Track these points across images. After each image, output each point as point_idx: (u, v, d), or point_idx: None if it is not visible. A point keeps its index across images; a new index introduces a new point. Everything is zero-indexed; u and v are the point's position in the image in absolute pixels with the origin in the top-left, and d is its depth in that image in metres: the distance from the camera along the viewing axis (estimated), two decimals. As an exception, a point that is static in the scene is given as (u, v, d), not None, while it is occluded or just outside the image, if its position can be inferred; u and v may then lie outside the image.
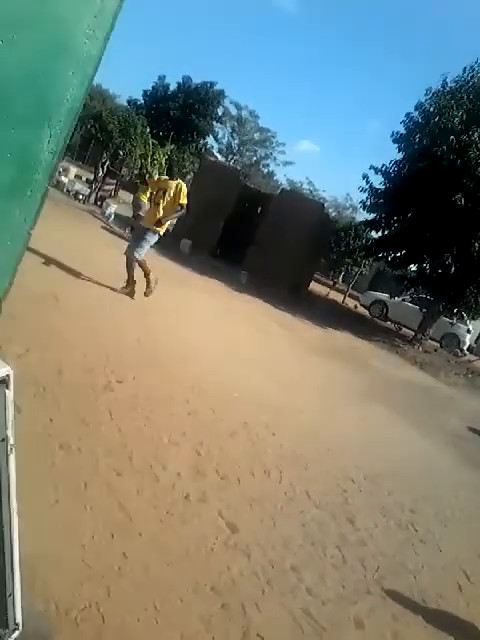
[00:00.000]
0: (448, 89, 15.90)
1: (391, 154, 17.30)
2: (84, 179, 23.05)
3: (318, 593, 2.99)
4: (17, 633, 1.79)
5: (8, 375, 1.34)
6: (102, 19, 0.90)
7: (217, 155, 48.92)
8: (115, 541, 2.65)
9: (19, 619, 1.79)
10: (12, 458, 1.49)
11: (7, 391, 1.37)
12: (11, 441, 1.45)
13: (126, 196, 22.15)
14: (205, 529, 3.10)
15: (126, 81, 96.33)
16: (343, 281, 31.19)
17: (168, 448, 3.85)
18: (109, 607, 2.24)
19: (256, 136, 50.89)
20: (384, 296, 22.39)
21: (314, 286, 23.27)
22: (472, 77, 15.74)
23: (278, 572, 3.01)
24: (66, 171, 19.74)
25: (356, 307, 23.34)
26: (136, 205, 14.01)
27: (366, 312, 22.48)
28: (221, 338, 7.99)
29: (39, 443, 3.19)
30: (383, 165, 16.97)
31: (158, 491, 3.25)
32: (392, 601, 3.24)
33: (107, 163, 18.22)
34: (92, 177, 19.22)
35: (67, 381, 4.15)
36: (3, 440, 1.42)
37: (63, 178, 18.27)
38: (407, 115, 16.30)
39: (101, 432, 3.65)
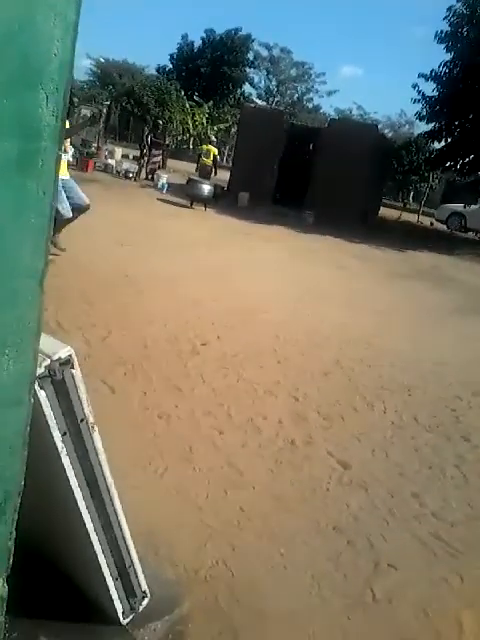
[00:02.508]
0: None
1: (440, 57, 16.25)
2: (131, 157, 23.17)
3: (445, 516, 2.91)
4: (146, 600, 1.83)
5: (70, 355, 1.32)
6: None
7: (257, 101, 47.76)
8: (229, 497, 2.68)
9: (145, 587, 1.82)
10: (96, 436, 1.49)
11: (73, 371, 1.35)
12: (91, 419, 1.44)
13: (175, 164, 22.11)
14: (317, 471, 3.08)
15: (152, 50, 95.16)
16: (414, 200, 30.01)
17: (264, 399, 3.85)
18: (236, 561, 2.27)
19: (293, 73, 49.23)
20: (459, 207, 21.35)
21: (384, 211, 22.51)
22: None
23: (399, 501, 2.95)
24: (112, 153, 19.94)
25: (432, 224, 22.43)
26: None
27: (443, 227, 21.56)
28: (298, 281, 7.88)
29: (138, 417, 3.25)
30: (432, 70, 15.95)
31: (263, 442, 3.26)
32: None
33: (150, 136, 18.18)
34: (138, 154, 19.26)
35: (153, 354, 4.22)
36: (83, 420, 1.41)
37: (110, 160, 18.45)
38: (449, 9, 15.11)
39: (196, 395, 3.69)
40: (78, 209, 6.43)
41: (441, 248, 14.97)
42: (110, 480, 1.59)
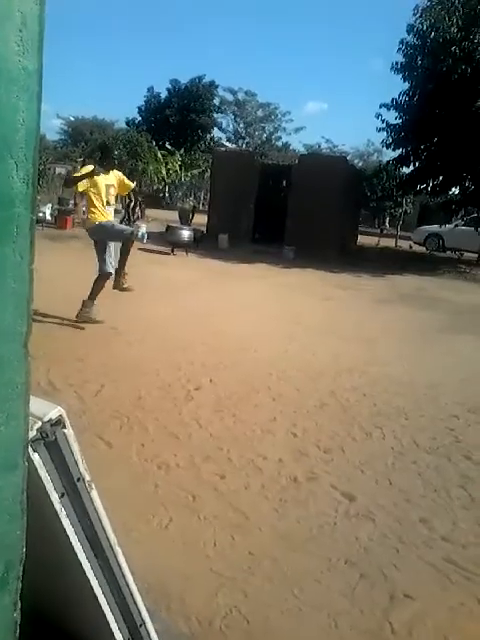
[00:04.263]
0: (436, 0, 15.18)
1: (399, 87, 16.79)
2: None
3: (455, 538, 2.88)
4: (158, 658, 1.79)
5: (61, 414, 1.32)
6: (28, 30, 0.85)
7: (227, 144, 48.68)
8: (237, 542, 2.64)
9: (157, 643, 1.78)
10: (94, 494, 1.48)
11: (65, 430, 1.35)
12: (87, 477, 1.43)
13: (152, 213, 22.34)
14: (322, 506, 3.05)
15: (120, 105, 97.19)
16: (390, 225, 30.45)
17: (263, 438, 3.83)
18: (250, 608, 2.22)
19: (259, 113, 50.31)
20: (436, 227, 21.71)
21: (362, 239, 22.78)
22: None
23: (407, 528, 2.92)
24: (89, 208, 20.09)
25: (411, 247, 22.73)
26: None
27: (422, 249, 21.86)
28: (285, 316, 7.91)
29: (138, 470, 3.22)
30: (393, 99, 16.40)
31: (265, 482, 3.23)
32: None
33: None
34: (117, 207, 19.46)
35: (147, 404, 4.20)
36: (79, 479, 1.40)
37: (88, 216, 18.59)
38: (401, 42, 15.65)
39: (193, 441, 3.66)
40: (126, 244, 6.39)
41: (422, 270, 15.15)
42: (113, 537, 1.56)
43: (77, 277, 7.23)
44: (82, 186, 6.05)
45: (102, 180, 6.14)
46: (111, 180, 6.32)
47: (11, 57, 0.83)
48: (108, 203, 6.25)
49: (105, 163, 6.37)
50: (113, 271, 6.30)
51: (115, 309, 6.72)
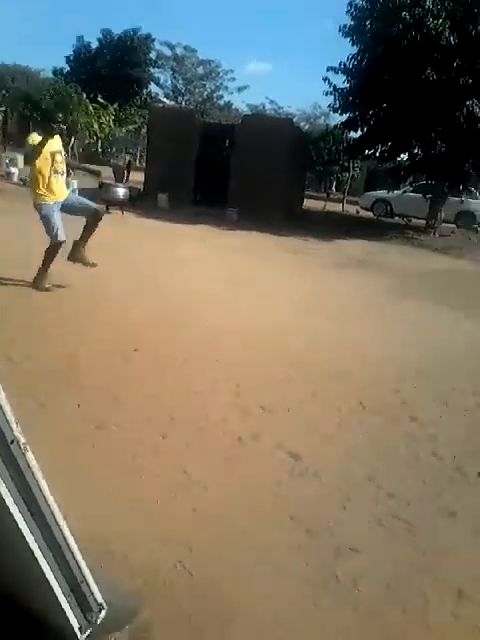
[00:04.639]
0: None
1: (348, 49, 16.75)
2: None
3: (400, 495, 3.01)
4: (103, 612, 1.82)
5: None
6: None
7: (165, 100, 47.73)
8: (180, 500, 2.69)
9: (100, 599, 1.81)
10: (30, 455, 1.48)
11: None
12: (22, 440, 1.43)
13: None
14: (267, 465, 3.13)
15: (45, 53, 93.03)
16: (337, 190, 30.74)
17: (206, 398, 3.87)
18: (194, 561, 2.27)
19: (200, 70, 49.37)
20: (383, 193, 22.09)
21: (309, 203, 22.98)
22: None
23: (354, 485, 3.04)
24: (14, 161, 19.45)
25: (357, 212, 23.08)
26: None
27: (370, 214, 22.24)
28: (229, 279, 7.94)
29: (74, 430, 3.20)
30: (341, 62, 16.39)
31: (208, 441, 3.28)
32: (477, 482, 3.27)
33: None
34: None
35: (85, 364, 4.17)
36: (13, 442, 1.39)
37: (13, 169, 18.03)
38: (350, 3, 15.59)
39: (134, 403, 3.66)
40: (92, 219, 6.21)
41: (369, 235, 15.45)
42: (50, 497, 1.57)
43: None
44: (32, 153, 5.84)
45: (49, 146, 5.86)
46: (58, 146, 6.08)
47: None
48: (56, 172, 5.99)
49: (45, 127, 6.12)
50: (65, 239, 6.13)
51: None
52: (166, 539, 2.38)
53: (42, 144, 5.70)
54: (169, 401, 3.73)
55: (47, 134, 5.84)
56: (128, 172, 16.90)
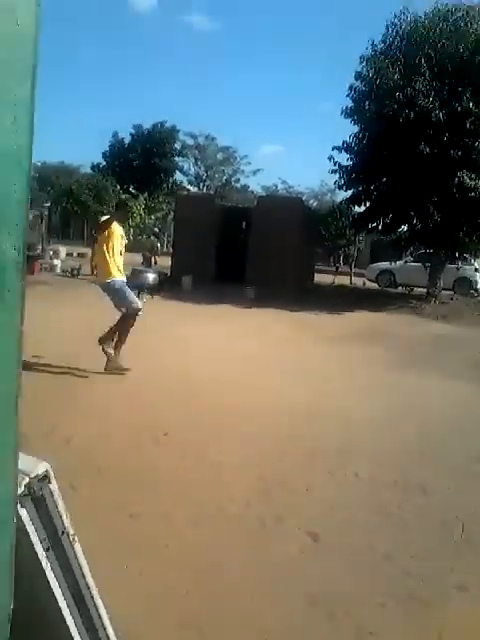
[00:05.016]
0: (379, 51, 15.96)
1: (349, 130, 17.38)
2: (75, 254, 23.37)
3: (415, 572, 2.96)
4: None
5: (47, 470, 1.38)
6: (21, 107, 0.97)
7: (188, 187, 49.27)
8: (205, 587, 2.67)
9: None
10: (77, 547, 1.52)
11: (51, 486, 1.40)
12: (71, 531, 1.48)
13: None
14: (289, 546, 3.09)
15: (85, 150, 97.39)
16: (344, 263, 31.08)
17: (231, 481, 3.87)
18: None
19: (219, 157, 51.13)
20: (387, 264, 22.30)
21: (319, 277, 23.19)
22: (397, 32, 15.82)
23: (372, 564, 3.00)
24: (57, 253, 20.06)
25: (364, 284, 23.23)
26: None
27: (375, 285, 22.38)
28: (243, 357, 7.99)
29: (107, 519, 3.19)
30: (344, 141, 16.96)
31: (233, 525, 3.27)
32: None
33: (93, 231, 18.58)
34: (81, 251, 19.52)
35: (115, 448, 4.20)
36: (63, 533, 1.45)
37: (56, 261, 18.55)
38: (350, 87, 16.31)
39: (162, 488, 3.67)
40: (131, 315, 6.28)
41: (375, 306, 15.50)
42: (95, 591, 1.60)
43: (48, 321, 7.21)
44: (102, 237, 6.13)
45: (118, 230, 6.20)
46: (123, 232, 6.39)
47: (5, 135, 0.93)
48: (120, 253, 6.25)
49: (120, 215, 6.48)
50: (141, 305, 6.35)
51: (87, 355, 6.69)
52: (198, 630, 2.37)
53: (111, 222, 6.07)
54: (195, 488, 3.72)
55: (121, 220, 6.30)
56: (155, 253, 17.30)
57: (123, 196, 29.97)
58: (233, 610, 2.54)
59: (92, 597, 1.62)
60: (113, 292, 6.18)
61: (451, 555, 3.18)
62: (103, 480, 3.67)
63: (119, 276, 6.20)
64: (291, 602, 2.63)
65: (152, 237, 18.19)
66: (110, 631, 1.67)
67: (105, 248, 6.11)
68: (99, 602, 1.61)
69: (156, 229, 22.23)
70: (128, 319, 6.20)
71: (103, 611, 1.63)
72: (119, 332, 6.21)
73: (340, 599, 2.67)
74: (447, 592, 2.83)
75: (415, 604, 2.69)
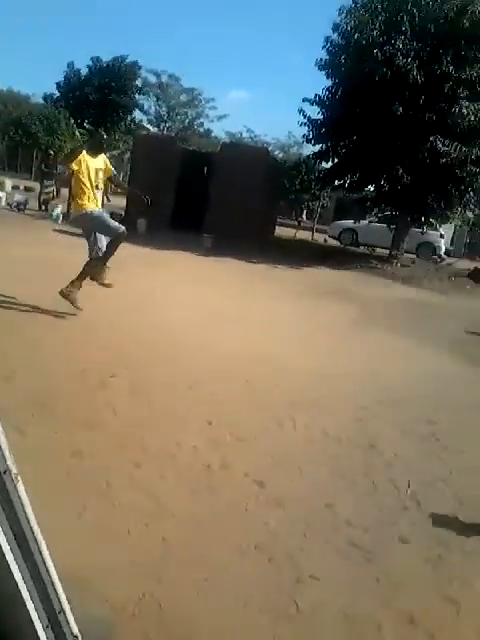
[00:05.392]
0: (360, 3, 15.63)
1: (322, 82, 17.09)
2: (22, 188, 22.59)
3: (358, 523, 3.06)
4: (78, 643, 1.82)
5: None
6: None
7: (148, 127, 47.94)
8: (151, 529, 2.69)
9: (76, 630, 1.82)
10: (20, 486, 1.49)
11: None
12: (14, 470, 1.44)
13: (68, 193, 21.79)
14: (235, 493, 3.15)
15: (37, 79, 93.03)
16: (307, 218, 31.09)
17: (178, 426, 3.89)
18: (163, 592, 2.28)
19: (182, 98, 49.77)
20: (350, 223, 22.41)
21: (280, 230, 23.16)
22: (380, -15, 15.47)
23: (314, 513, 3.08)
24: (2, 185, 19.34)
25: (325, 241, 23.35)
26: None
27: (337, 243, 22.51)
28: (202, 305, 7.97)
29: (50, 458, 3.19)
30: (316, 94, 16.71)
31: (180, 470, 3.30)
32: (430, 511, 3.33)
33: (41, 166, 17.90)
34: (30, 184, 18.86)
35: (61, 390, 4.15)
36: (6, 471, 1.41)
37: (0, 193, 17.89)
38: (326, 39, 15.99)
39: (108, 430, 3.66)
40: (115, 240, 6.14)
41: (337, 263, 15.64)
42: (37, 529, 1.58)
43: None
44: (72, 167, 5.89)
45: (91, 163, 5.97)
46: (100, 164, 6.14)
47: None
48: (97, 187, 6.04)
49: (92, 144, 6.22)
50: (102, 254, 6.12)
51: (33, 292, 6.53)
52: (136, 570, 2.39)
53: (79, 153, 5.87)
54: (141, 430, 3.72)
55: (94, 150, 6.04)
56: (106, 196, 16.88)
57: (78, 130, 29.05)
58: (175, 547, 2.59)
59: (34, 536, 1.59)
60: (85, 226, 6.10)
61: (395, 510, 3.29)
62: (45, 421, 3.63)
63: (92, 206, 6.04)
64: (233, 547, 2.68)
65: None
66: (53, 573, 1.65)
67: (74, 180, 5.96)
68: (42, 544, 1.59)
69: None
70: (90, 265, 6.09)
71: (45, 549, 1.61)
72: (82, 271, 6.08)
73: (283, 546, 2.74)
74: (389, 542, 2.93)
75: (356, 552, 2.79)
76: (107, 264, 6.29)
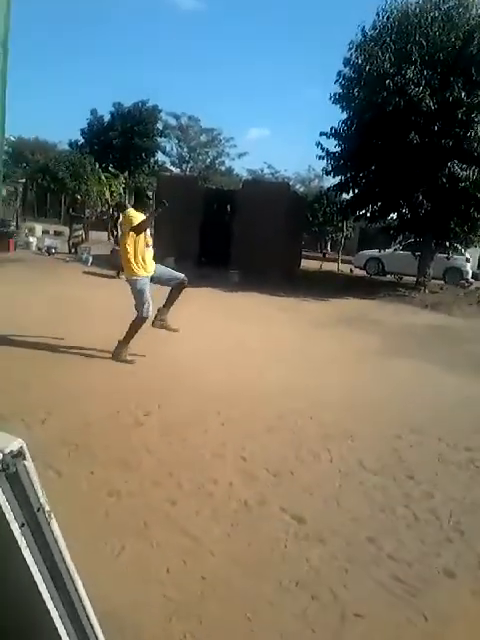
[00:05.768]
0: (369, 37, 15.84)
1: (338, 115, 17.29)
2: (52, 232, 23.12)
3: (400, 556, 2.98)
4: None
5: (22, 447, 1.34)
6: None
7: (171, 168, 48.92)
8: (189, 567, 2.66)
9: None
10: (54, 523, 1.49)
11: (26, 462, 1.36)
12: (47, 508, 1.44)
13: (98, 236, 22.23)
14: (273, 529, 3.10)
15: (62, 127, 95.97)
16: (332, 249, 31.14)
17: (212, 463, 3.86)
18: (204, 632, 2.24)
19: (202, 138, 50.83)
20: (375, 252, 22.37)
21: (305, 263, 23.19)
22: (388, 18, 15.68)
23: (355, 548, 3.01)
24: (32, 230, 19.82)
25: (352, 271, 23.29)
26: None
27: (363, 273, 22.44)
28: (230, 338, 7.98)
29: (88, 498, 3.19)
30: (332, 128, 16.88)
31: (216, 506, 3.26)
32: (475, 542, 3.22)
33: (69, 210, 18.34)
34: (59, 229, 19.31)
35: (96, 430, 4.16)
36: (39, 509, 1.41)
37: (31, 238, 18.32)
38: (339, 74, 16.22)
39: (143, 468, 3.65)
40: (178, 288, 6.39)
41: (363, 293, 15.54)
42: (72, 567, 1.57)
43: (19, 300, 7.12)
44: (124, 229, 6.08)
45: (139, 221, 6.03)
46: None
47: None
48: (147, 245, 6.16)
49: (140, 205, 6.28)
50: (151, 315, 6.28)
51: (66, 331, 6.63)
52: (176, 610, 2.35)
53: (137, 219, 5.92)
54: (176, 467, 3.70)
55: (142, 209, 6.12)
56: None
57: (104, 175, 29.77)
58: (215, 585, 2.54)
59: (70, 575, 1.58)
60: (133, 290, 6.15)
61: (438, 541, 3.19)
62: (81, 460, 3.64)
63: (142, 274, 6.10)
64: (274, 585, 2.62)
65: (118, 214, 18.18)
66: (90, 610, 1.63)
67: (127, 241, 6.03)
68: (77, 580, 1.58)
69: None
70: (136, 325, 6.15)
71: (80, 587, 1.59)
72: (126, 334, 6.16)
73: (325, 582, 2.67)
74: (433, 577, 2.84)
75: (401, 587, 2.70)
76: (170, 309, 6.47)
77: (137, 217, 5.97)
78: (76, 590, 1.60)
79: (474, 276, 21.77)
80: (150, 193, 6.51)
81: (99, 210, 28.99)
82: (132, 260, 6.02)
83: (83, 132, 45.71)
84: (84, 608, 1.62)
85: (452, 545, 3.17)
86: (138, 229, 5.94)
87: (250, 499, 3.38)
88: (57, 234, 22.01)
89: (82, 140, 45.56)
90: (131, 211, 6.15)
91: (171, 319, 6.55)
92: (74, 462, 3.61)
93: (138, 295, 6.09)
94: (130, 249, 6.00)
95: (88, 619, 1.65)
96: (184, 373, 5.94)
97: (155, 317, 6.39)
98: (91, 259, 15.62)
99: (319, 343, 8.74)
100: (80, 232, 18.52)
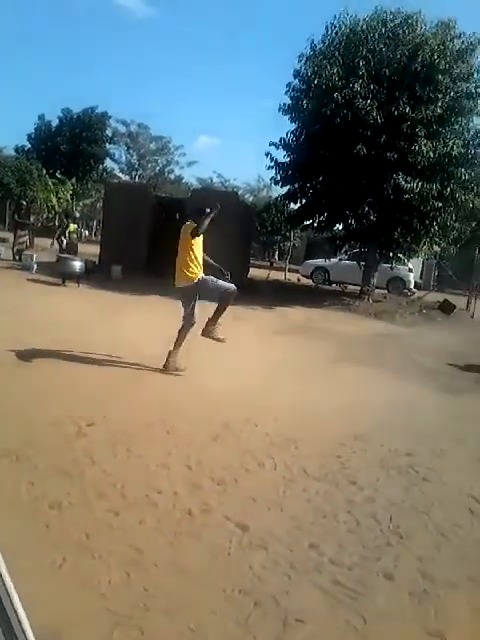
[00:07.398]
0: (318, 50, 16.15)
1: (288, 126, 17.57)
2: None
3: (342, 561, 3.02)
4: None
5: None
6: None
7: (120, 175, 48.59)
8: (132, 579, 2.63)
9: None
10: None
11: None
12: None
13: (43, 242, 21.82)
14: (216, 538, 3.10)
15: (8, 131, 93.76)
16: (280, 258, 31.46)
17: (157, 472, 3.83)
18: (146, 645, 2.22)
19: (152, 146, 50.74)
20: (321, 261, 22.72)
21: (253, 272, 23.30)
22: (336, 33, 16.03)
23: (298, 554, 3.04)
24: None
25: (299, 280, 23.57)
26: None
27: (310, 282, 22.75)
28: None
29: (28, 510, 3.12)
30: (281, 138, 17.12)
31: (160, 516, 3.24)
32: (413, 545, 3.31)
33: (14, 216, 17.95)
34: (4, 235, 18.85)
35: (38, 440, 4.07)
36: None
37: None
38: (288, 85, 16.49)
39: (86, 479, 3.60)
40: (227, 297, 6.50)
41: (310, 302, 15.75)
42: (9, 582, 1.53)
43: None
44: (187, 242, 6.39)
45: (199, 238, 6.45)
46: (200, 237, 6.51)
47: None
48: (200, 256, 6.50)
49: (199, 221, 6.45)
50: (197, 321, 6.48)
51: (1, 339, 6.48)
52: (118, 621, 2.32)
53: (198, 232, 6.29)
54: (120, 478, 3.66)
55: (201, 221, 6.36)
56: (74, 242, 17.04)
57: (51, 181, 29.26)
58: (158, 596, 2.52)
59: (6, 588, 1.55)
60: (188, 293, 6.51)
61: (378, 545, 3.26)
62: (21, 471, 3.55)
63: (196, 276, 6.49)
64: (218, 593, 2.62)
65: (67, 221, 17.95)
66: (26, 624, 1.60)
67: (190, 252, 6.43)
68: (13, 592, 1.55)
69: (77, 214, 21.69)
70: (183, 331, 6.51)
71: (17, 601, 1.56)
72: (177, 339, 6.49)
73: (268, 589, 2.69)
74: (373, 580, 2.90)
75: (341, 591, 2.75)
76: (219, 321, 6.59)
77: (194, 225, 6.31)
78: (12, 604, 1.57)
79: (416, 286, 22.42)
80: (208, 209, 6.53)
81: (45, 216, 28.51)
82: (194, 265, 6.41)
83: (30, 137, 44.91)
84: (19, 622, 1.59)
85: (391, 548, 3.25)
86: (197, 231, 6.33)
87: (194, 508, 3.37)
88: (1, 240, 21.48)
89: (29, 146, 44.74)
90: (191, 224, 6.45)
91: (112, 327, 6.62)
92: (12, 473, 3.52)
93: (187, 300, 6.47)
94: (193, 256, 6.43)
95: (24, 634, 1.62)
96: (130, 382, 5.89)
97: (204, 328, 6.56)
98: (36, 266, 15.30)
99: (267, 351, 8.81)
100: (25, 239, 18.12)
